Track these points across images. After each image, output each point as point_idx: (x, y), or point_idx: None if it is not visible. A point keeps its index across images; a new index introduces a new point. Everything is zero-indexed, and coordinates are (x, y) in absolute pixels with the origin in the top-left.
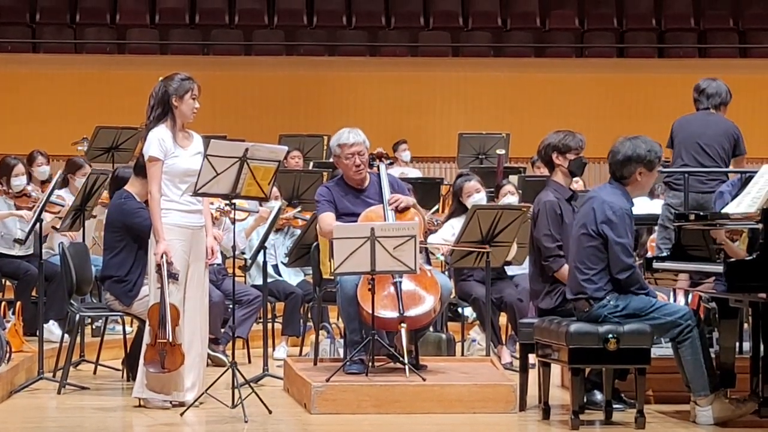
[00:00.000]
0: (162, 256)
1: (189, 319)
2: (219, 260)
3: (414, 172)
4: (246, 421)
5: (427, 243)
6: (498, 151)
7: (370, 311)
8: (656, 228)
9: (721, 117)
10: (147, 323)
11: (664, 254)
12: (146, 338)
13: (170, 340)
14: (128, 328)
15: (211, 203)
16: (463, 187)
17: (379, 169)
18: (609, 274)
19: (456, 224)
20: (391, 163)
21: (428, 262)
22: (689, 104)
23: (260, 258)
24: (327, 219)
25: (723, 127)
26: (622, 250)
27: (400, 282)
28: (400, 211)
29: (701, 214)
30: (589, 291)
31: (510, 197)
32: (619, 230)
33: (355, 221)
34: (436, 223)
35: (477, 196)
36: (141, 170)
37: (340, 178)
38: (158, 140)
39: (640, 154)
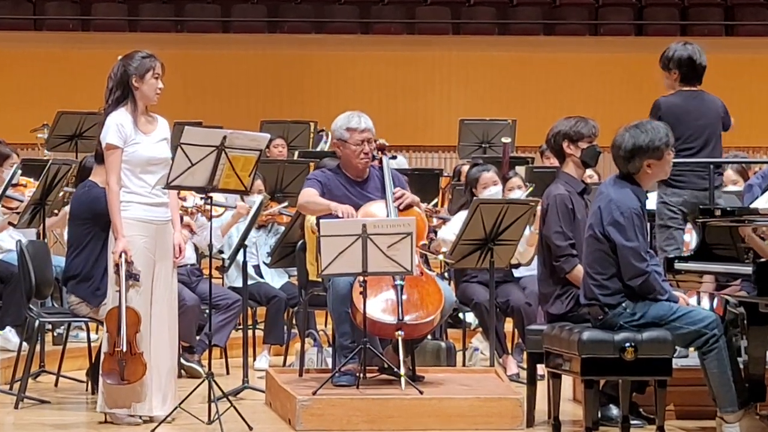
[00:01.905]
0: (121, 255)
1: (157, 324)
2: (193, 260)
3: (400, 161)
4: None
5: (437, 238)
6: (503, 140)
7: (365, 314)
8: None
9: (708, 97)
10: (105, 329)
11: (672, 255)
12: (104, 346)
13: (123, 348)
14: (93, 335)
15: (184, 199)
16: (478, 177)
17: (381, 162)
18: (621, 279)
19: None
20: (394, 157)
21: (426, 262)
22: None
23: (240, 258)
24: (307, 192)
25: (715, 110)
26: (633, 255)
27: (401, 285)
28: (404, 208)
29: (728, 209)
30: (601, 297)
31: (517, 192)
32: (627, 233)
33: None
34: (435, 220)
35: (494, 189)
36: (102, 158)
37: (337, 167)
38: (117, 125)
39: (641, 146)
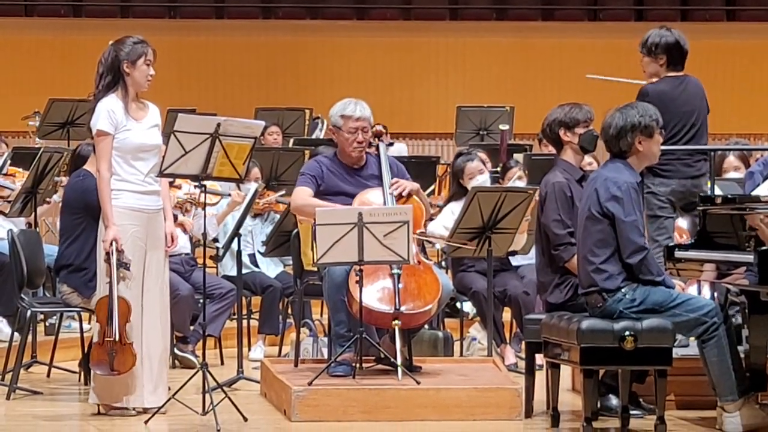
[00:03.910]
0: (111, 244)
1: (148, 313)
2: (187, 249)
3: (400, 148)
4: (218, 430)
5: (426, 232)
6: (501, 127)
7: (362, 303)
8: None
9: (692, 81)
10: (95, 319)
11: (670, 245)
12: (94, 336)
13: (116, 338)
14: (86, 326)
15: (179, 187)
16: (464, 167)
17: (378, 149)
18: (620, 259)
19: (456, 209)
20: (391, 144)
21: (423, 251)
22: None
23: (234, 246)
24: (301, 193)
25: (700, 95)
26: (632, 229)
27: (399, 274)
28: (399, 197)
29: (729, 196)
30: (599, 282)
31: (518, 183)
32: (626, 207)
33: (350, 203)
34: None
35: (480, 177)
36: None
37: (334, 155)
38: (107, 112)
39: (633, 122)
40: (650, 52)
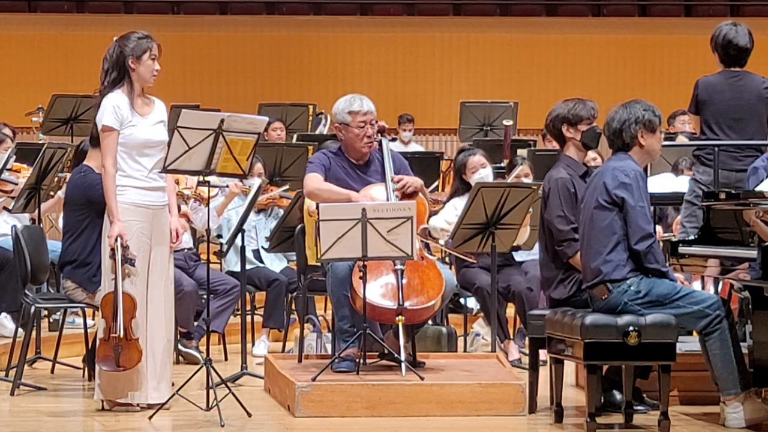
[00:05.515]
0: (116, 239)
1: (153, 309)
2: (191, 245)
3: (413, 148)
4: (222, 425)
5: (429, 226)
6: (505, 122)
7: (365, 298)
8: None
9: (750, 78)
10: (100, 315)
11: (691, 237)
12: (99, 332)
13: (120, 334)
14: (90, 321)
15: (177, 183)
16: (466, 162)
17: (381, 145)
18: (626, 249)
19: (459, 204)
20: (394, 139)
21: (427, 247)
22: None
23: (238, 242)
24: (313, 179)
25: (755, 91)
26: (641, 216)
27: (402, 270)
28: (408, 195)
29: (732, 192)
30: (606, 271)
31: (525, 180)
32: (635, 193)
33: None
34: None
35: (482, 171)
36: (98, 142)
37: (339, 149)
38: (113, 107)
39: (636, 116)
40: (710, 45)
